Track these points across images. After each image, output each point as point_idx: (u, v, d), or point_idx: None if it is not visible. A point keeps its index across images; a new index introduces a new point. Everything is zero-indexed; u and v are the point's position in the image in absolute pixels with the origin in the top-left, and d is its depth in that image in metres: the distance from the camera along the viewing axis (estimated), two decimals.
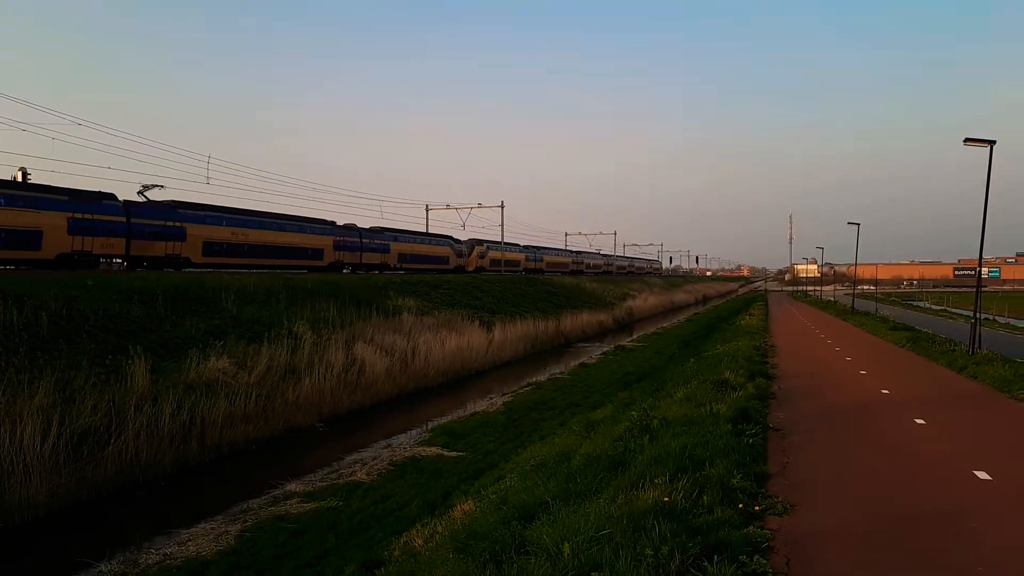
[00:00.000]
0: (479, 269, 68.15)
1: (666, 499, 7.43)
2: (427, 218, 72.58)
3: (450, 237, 69.25)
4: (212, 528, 11.51)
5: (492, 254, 72.05)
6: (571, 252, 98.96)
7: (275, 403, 19.05)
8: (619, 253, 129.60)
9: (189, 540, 10.96)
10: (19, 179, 31.23)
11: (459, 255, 67.70)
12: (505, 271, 70.98)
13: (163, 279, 24.94)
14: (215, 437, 16.61)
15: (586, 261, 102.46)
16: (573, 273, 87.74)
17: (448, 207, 73.18)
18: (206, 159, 42.73)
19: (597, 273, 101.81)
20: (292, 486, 13.86)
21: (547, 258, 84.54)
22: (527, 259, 72.58)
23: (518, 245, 78.77)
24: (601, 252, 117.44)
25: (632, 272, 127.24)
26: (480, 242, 72.05)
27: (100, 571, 9.95)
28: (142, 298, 20.99)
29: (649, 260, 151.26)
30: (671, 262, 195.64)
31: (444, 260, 64.32)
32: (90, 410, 14.54)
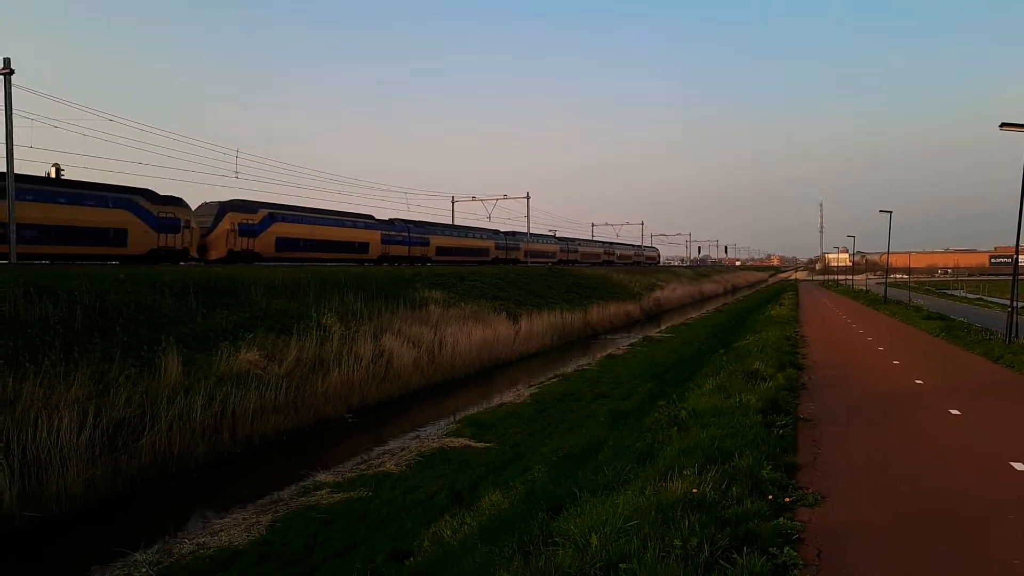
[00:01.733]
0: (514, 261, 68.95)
1: (695, 490, 7.39)
2: (453, 210, 72.78)
3: (495, 231, 70.44)
4: (244, 518, 11.67)
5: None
6: (558, 239, 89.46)
7: (305, 394, 19.23)
8: (632, 242, 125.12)
9: (221, 530, 11.12)
10: (52, 175, 32.23)
11: (499, 248, 68.81)
12: (532, 262, 71.10)
13: (192, 272, 25.33)
14: (246, 428, 16.82)
15: (581, 250, 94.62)
16: (562, 263, 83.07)
17: (474, 199, 73.27)
18: (235, 153, 43.70)
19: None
20: (322, 476, 14.00)
21: (523, 245, 76.09)
22: (496, 246, 69.27)
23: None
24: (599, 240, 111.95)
25: (612, 262, 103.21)
26: (513, 234, 73.06)
27: (136, 560, 10.14)
28: (173, 291, 21.29)
29: (637, 247, 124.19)
30: (699, 252, 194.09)
31: (484, 252, 65.69)
32: (124, 402, 14.79)
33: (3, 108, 26.22)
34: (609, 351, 34.89)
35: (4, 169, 26.07)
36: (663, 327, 49.43)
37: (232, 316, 21.52)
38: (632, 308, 57.38)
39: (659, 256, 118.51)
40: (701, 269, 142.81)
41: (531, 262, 71.82)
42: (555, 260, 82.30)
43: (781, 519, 6.94)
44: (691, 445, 9.35)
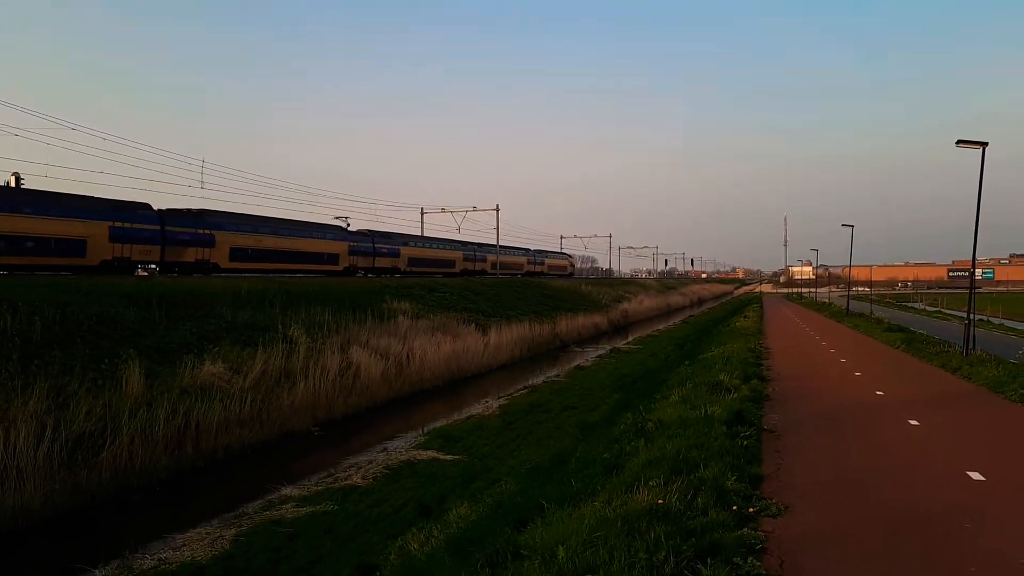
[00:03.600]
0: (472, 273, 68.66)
1: (660, 501, 7.44)
2: (422, 222, 72.65)
3: (463, 243, 70.20)
4: (207, 533, 11.49)
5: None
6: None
7: (270, 407, 19.01)
8: (548, 248, 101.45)
9: (184, 545, 10.94)
10: (12, 184, 31.61)
11: (467, 259, 68.54)
12: (501, 274, 70.95)
13: (158, 284, 24.93)
14: (210, 442, 16.57)
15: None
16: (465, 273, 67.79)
17: (443, 210, 73.18)
18: (200, 163, 43.35)
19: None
20: (287, 490, 13.84)
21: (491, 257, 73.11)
22: (464, 258, 68.96)
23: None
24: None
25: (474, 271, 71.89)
26: (481, 245, 73.25)
27: None
28: (136, 303, 20.94)
29: (535, 253, 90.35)
30: (666, 264, 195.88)
31: (451, 264, 65.33)
32: (84, 415, 14.50)
33: None
34: (577, 362, 35.04)
35: None
36: (630, 339, 49.79)
37: (196, 328, 21.23)
38: (600, 320, 57.71)
39: (572, 265, 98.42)
40: (668, 281, 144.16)
41: (499, 274, 71.83)
42: (523, 272, 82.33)
43: (745, 529, 7.02)
44: (657, 456, 9.42)
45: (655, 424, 11.91)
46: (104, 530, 12.68)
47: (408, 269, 56.52)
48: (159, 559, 10.37)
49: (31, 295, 18.32)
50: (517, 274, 78.57)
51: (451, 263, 65.84)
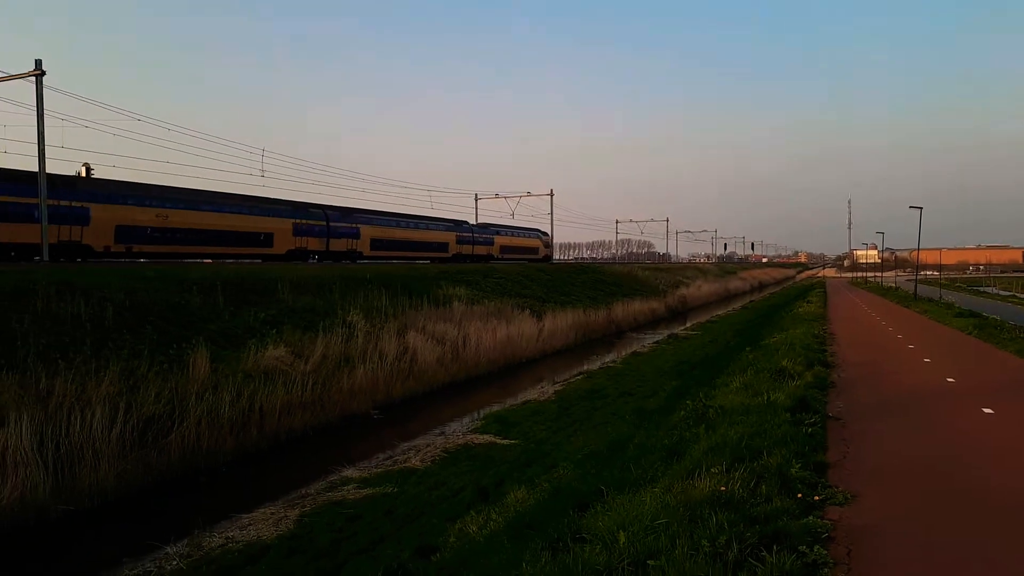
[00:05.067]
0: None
1: (723, 488, 7.33)
2: (476, 208, 72.84)
3: (457, 222, 62.62)
4: (272, 512, 11.78)
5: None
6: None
7: (331, 391, 19.37)
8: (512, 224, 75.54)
9: (250, 524, 11.24)
10: (83, 175, 33.07)
11: (463, 242, 60.89)
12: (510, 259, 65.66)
13: (221, 270, 25.61)
14: (273, 424, 16.98)
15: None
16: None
17: (497, 196, 73.26)
18: (260, 152, 45.31)
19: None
20: (348, 472, 14.09)
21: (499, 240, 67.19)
22: (459, 240, 59.79)
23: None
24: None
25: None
26: (486, 227, 68.42)
27: (167, 553, 10.28)
28: (201, 289, 21.54)
29: (497, 229, 69.70)
30: (725, 248, 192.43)
31: (442, 248, 58.04)
32: (154, 398, 15.00)
33: (35, 109, 26.74)
34: (634, 348, 34.74)
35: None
36: (688, 324, 49.12)
37: (259, 313, 21.73)
38: (657, 305, 57.06)
39: (546, 246, 75.85)
40: (727, 266, 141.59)
41: (507, 259, 65.59)
42: (539, 257, 72.84)
43: (811, 517, 6.86)
44: (719, 443, 9.27)
45: (716, 411, 11.73)
46: (173, 509, 13.13)
47: (374, 253, 49.28)
48: (226, 537, 10.68)
49: (102, 281, 19.00)
50: (524, 259, 68.35)
51: (440, 246, 57.97)
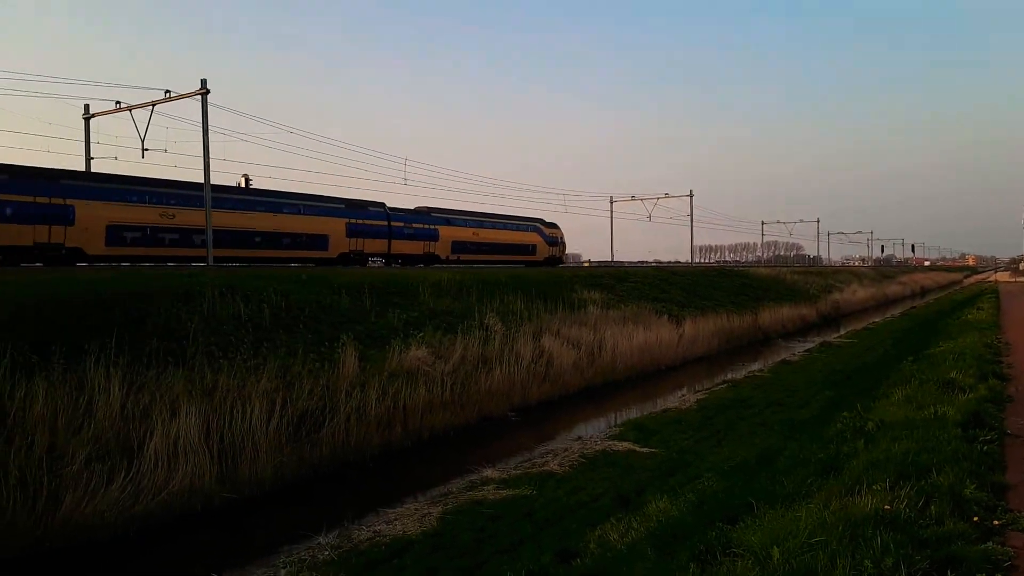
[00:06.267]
0: None
1: (887, 507, 6.75)
2: (611, 210, 72.07)
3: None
4: (416, 509, 12.11)
5: None
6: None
7: (469, 392, 19.75)
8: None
9: (396, 519, 11.60)
10: (242, 184, 35.76)
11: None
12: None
13: (368, 274, 26.81)
14: (416, 423, 17.50)
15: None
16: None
17: (633, 198, 72.27)
18: (403, 160, 46.01)
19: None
20: (488, 472, 14.27)
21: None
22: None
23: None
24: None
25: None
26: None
27: (319, 543, 10.79)
28: (349, 291, 22.61)
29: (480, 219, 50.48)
30: (883, 251, 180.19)
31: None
32: (307, 394, 15.82)
33: (200, 125, 29.15)
34: (782, 356, 33.13)
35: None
36: (842, 332, 46.29)
37: (402, 315, 22.51)
38: (808, 311, 54.18)
39: (548, 244, 55.13)
40: (885, 270, 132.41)
41: (471, 261, 47.39)
42: (536, 259, 53.37)
43: (989, 543, 6.17)
44: (880, 458, 8.57)
45: (876, 424, 10.89)
46: (324, 501, 13.79)
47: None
48: (374, 531, 11.07)
49: (258, 285, 20.36)
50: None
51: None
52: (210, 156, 29.07)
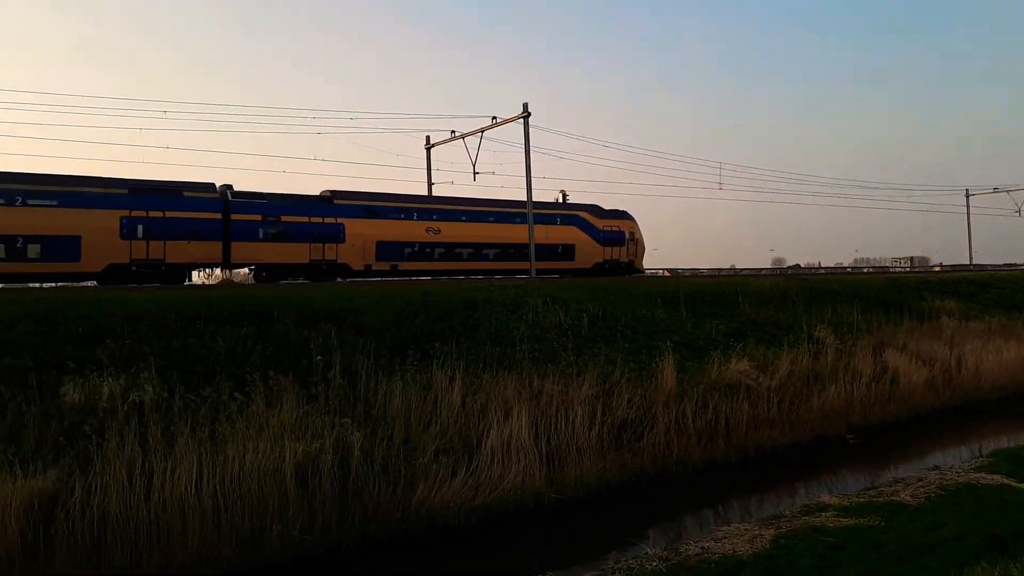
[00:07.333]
0: None
1: None
2: (967, 205, 62.63)
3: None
4: (745, 529, 11.36)
5: None
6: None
7: (799, 409, 18.26)
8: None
9: (724, 537, 10.99)
10: (559, 199, 38.25)
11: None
12: None
13: (684, 283, 26.35)
14: (740, 438, 16.60)
15: None
16: None
17: (995, 190, 62.09)
18: (718, 166, 45.29)
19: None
20: (824, 498, 12.97)
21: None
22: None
23: None
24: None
25: None
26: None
27: (646, 553, 10.62)
28: (664, 300, 22.37)
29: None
30: None
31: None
32: (626, 403, 15.86)
33: (523, 146, 31.31)
34: None
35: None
36: None
37: (720, 325, 21.67)
38: None
39: (595, 243, 37.98)
40: None
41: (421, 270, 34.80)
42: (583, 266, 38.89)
43: None
44: None
45: None
46: (645, 510, 13.64)
47: None
48: (701, 547, 10.59)
49: (574, 295, 21.03)
50: None
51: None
52: (531, 174, 30.99)
